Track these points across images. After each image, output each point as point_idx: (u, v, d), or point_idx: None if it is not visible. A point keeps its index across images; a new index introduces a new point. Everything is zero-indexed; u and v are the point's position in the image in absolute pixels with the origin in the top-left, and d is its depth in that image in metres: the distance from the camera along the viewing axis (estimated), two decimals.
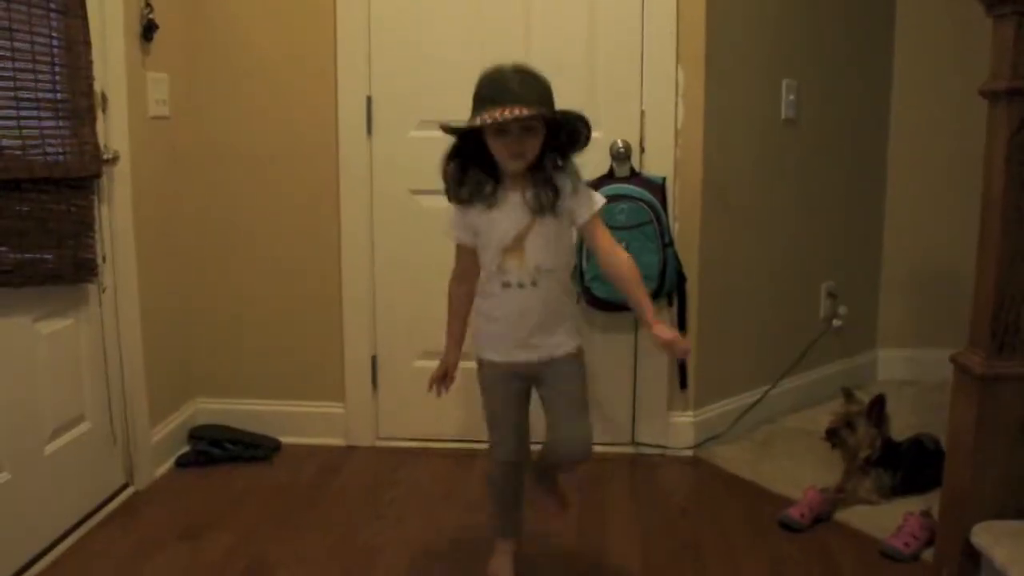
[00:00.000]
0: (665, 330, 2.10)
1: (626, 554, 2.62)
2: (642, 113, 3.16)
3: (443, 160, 2.17)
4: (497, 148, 2.07)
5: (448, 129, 2.12)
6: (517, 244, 2.14)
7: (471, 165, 2.15)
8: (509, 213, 2.13)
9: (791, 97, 3.48)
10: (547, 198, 2.11)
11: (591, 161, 3.09)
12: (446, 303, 2.34)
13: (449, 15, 3.19)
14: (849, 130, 3.79)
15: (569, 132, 2.12)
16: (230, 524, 2.78)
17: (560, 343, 2.24)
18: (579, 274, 3.07)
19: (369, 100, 3.23)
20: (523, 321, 2.19)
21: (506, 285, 2.17)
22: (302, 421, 3.41)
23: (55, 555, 2.57)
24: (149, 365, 3.05)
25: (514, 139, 2.05)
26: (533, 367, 2.23)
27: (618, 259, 2.18)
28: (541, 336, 2.21)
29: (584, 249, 3.03)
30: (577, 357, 2.29)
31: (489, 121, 1.99)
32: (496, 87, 2.04)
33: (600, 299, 3.08)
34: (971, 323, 2.29)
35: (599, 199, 2.19)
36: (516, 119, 1.99)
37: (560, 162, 2.15)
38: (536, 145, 2.08)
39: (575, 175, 2.17)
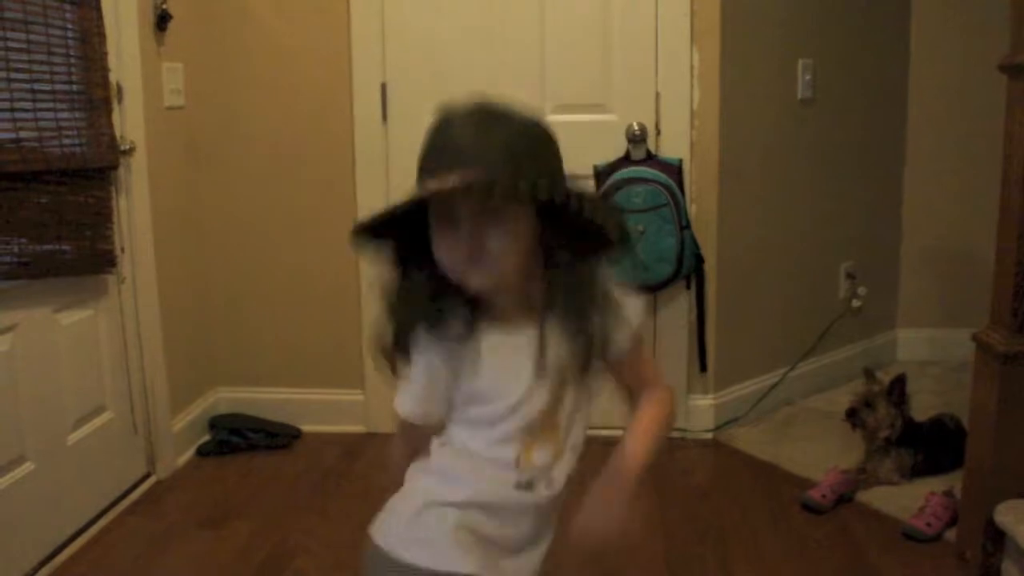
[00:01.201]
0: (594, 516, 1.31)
1: (648, 537, 2.61)
2: (657, 95, 3.14)
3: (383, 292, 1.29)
4: (442, 253, 1.21)
5: (365, 231, 1.25)
6: (547, 419, 1.29)
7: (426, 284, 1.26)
8: (515, 362, 1.27)
9: (807, 77, 3.45)
10: (578, 342, 1.27)
11: (607, 144, 3.10)
12: None
13: (463, 0, 3.18)
14: (866, 109, 3.76)
15: (592, 225, 1.23)
16: (251, 512, 2.80)
17: (547, 542, 1.40)
18: None
19: (384, 87, 3.23)
20: (523, 521, 1.34)
21: (521, 487, 1.30)
22: (322, 409, 3.42)
23: (79, 544, 2.59)
24: (169, 355, 3.06)
25: (467, 232, 1.18)
26: None
27: (662, 397, 1.47)
28: (533, 543, 1.37)
29: None
30: None
31: (405, 203, 1.16)
32: (434, 146, 1.21)
33: (619, 283, 3.06)
34: (992, 301, 2.27)
35: (638, 307, 1.38)
36: (452, 190, 1.13)
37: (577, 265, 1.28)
38: (512, 242, 1.19)
39: (604, 283, 1.31)
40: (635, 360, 1.39)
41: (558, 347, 1.26)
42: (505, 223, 1.18)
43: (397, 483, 1.39)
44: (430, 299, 1.23)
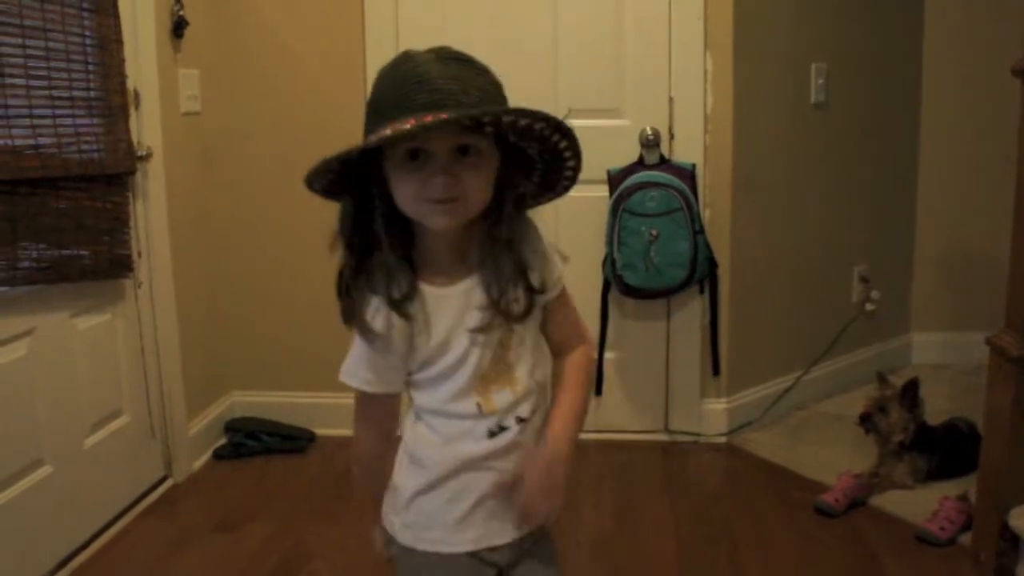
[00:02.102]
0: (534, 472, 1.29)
1: (661, 541, 2.61)
2: (671, 99, 3.15)
3: (337, 235, 1.31)
4: (409, 192, 1.20)
5: (319, 176, 1.21)
6: (499, 361, 1.30)
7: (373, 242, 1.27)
8: (460, 313, 1.28)
9: (820, 81, 3.45)
10: (518, 285, 1.28)
11: (621, 149, 3.11)
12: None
13: (477, 5, 3.19)
14: (880, 113, 3.76)
15: (547, 165, 1.30)
16: (267, 515, 2.80)
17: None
18: (610, 262, 3.08)
19: None
20: (511, 464, 1.31)
21: (494, 432, 1.30)
22: (337, 412, 3.40)
23: (96, 546, 2.61)
24: (185, 359, 3.07)
25: (442, 170, 1.18)
26: (514, 552, 1.37)
27: (581, 366, 1.43)
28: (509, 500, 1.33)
29: (616, 235, 3.02)
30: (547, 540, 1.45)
31: (389, 134, 1.12)
32: (404, 84, 1.17)
33: (633, 287, 3.07)
34: (1007, 305, 2.27)
35: (559, 256, 1.37)
36: (442, 123, 1.12)
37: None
38: (484, 184, 1.22)
39: (534, 230, 1.34)
40: (561, 307, 1.39)
41: (498, 294, 1.27)
42: (480, 161, 1.21)
43: (369, 471, 1.41)
44: (381, 261, 1.26)
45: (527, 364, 1.33)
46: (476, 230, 1.28)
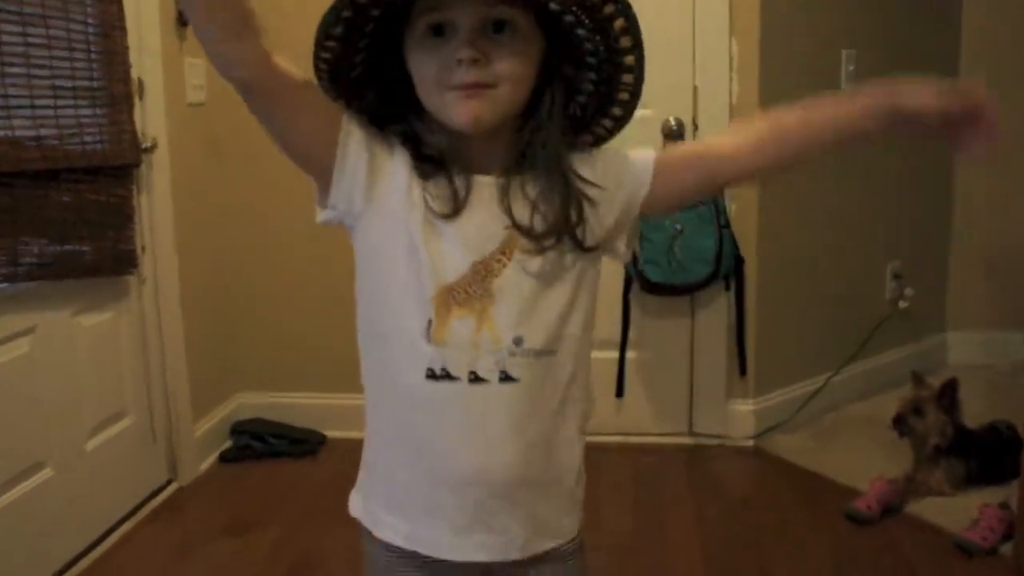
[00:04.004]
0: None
1: (686, 547, 2.56)
2: (695, 89, 3.07)
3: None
4: (429, 75, 1.03)
5: (330, 24, 1.04)
6: (475, 285, 1.06)
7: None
8: (471, 216, 1.07)
9: (851, 68, 3.36)
10: (558, 206, 1.07)
11: (643, 140, 3.00)
12: None
13: None
14: None
15: (605, 65, 1.09)
16: (275, 519, 2.76)
17: (554, 522, 1.17)
18: (632, 258, 2.99)
19: None
20: (470, 465, 1.09)
21: (435, 376, 1.06)
22: (346, 414, 3.35)
23: (100, 552, 2.56)
24: (191, 359, 3.03)
25: (467, 43, 1.00)
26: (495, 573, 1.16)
27: (760, 126, 1.17)
28: (515, 505, 1.11)
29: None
30: (579, 552, 1.22)
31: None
32: None
33: (655, 283, 3.02)
34: None
35: (646, 150, 1.17)
36: None
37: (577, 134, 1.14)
38: (520, 70, 1.03)
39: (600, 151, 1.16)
40: (684, 155, 1.21)
41: (522, 206, 1.07)
42: (516, 41, 1.03)
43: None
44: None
45: (515, 312, 1.07)
46: (514, 138, 1.08)
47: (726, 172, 1.17)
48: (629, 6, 1.04)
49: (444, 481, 1.09)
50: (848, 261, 3.54)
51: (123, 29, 2.59)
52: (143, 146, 2.71)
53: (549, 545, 1.16)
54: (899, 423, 2.82)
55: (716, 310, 3.18)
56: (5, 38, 2.19)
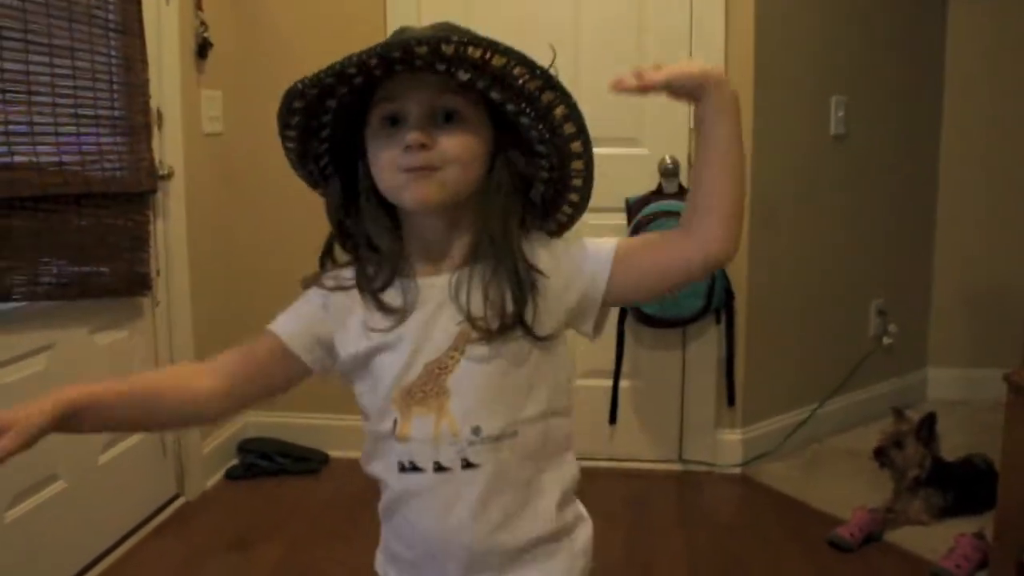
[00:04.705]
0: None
1: (673, 572, 2.60)
2: (690, 129, 3.15)
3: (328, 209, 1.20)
4: (383, 161, 1.09)
5: (284, 130, 1.14)
6: (431, 383, 1.11)
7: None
8: (419, 319, 1.12)
9: (840, 113, 3.45)
10: (507, 293, 1.10)
11: (639, 178, 3.12)
12: None
13: (496, 33, 3.19)
14: (900, 146, 3.76)
15: (554, 153, 1.13)
16: (279, 536, 2.80)
17: (544, 570, 1.19)
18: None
19: None
20: (443, 543, 1.14)
21: (404, 468, 1.13)
22: (350, 435, 3.37)
23: (108, 563, 2.61)
24: None
25: (415, 126, 1.07)
26: None
27: (693, 223, 1.16)
28: (495, 570, 1.16)
29: None
30: None
31: (337, 68, 1.04)
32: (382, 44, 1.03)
33: (650, 316, 3.08)
34: None
35: (610, 239, 1.18)
36: (409, 55, 1.02)
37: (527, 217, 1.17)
38: (468, 153, 1.09)
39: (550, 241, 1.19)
40: (639, 250, 1.17)
41: (476, 296, 1.10)
42: (463, 126, 1.08)
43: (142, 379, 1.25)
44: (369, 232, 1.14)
45: (470, 404, 1.11)
46: (469, 224, 1.13)
47: (682, 242, 1.15)
48: (568, 94, 1.09)
49: (426, 554, 1.16)
50: (834, 298, 3.60)
51: (144, 62, 2.67)
52: (160, 174, 2.79)
53: None
54: (880, 455, 2.87)
55: (706, 342, 3.24)
56: (33, 68, 2.25)
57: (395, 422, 1.12)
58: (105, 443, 2.66)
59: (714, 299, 3.06)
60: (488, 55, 1.04)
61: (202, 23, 3.02)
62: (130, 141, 2.63)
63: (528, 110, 1.10)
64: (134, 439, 2.79)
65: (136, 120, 2.65)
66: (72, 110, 2.40)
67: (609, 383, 3.25)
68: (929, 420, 2.84)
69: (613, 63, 3.13)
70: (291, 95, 1.08)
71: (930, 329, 4.03)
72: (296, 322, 1.20)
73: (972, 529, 2.59)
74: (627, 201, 3.11)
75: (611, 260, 1.14)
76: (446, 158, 1.07)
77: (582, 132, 1.12)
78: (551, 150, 1.13)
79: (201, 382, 1.19)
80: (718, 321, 3.20)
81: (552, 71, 1.09)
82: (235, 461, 3.33)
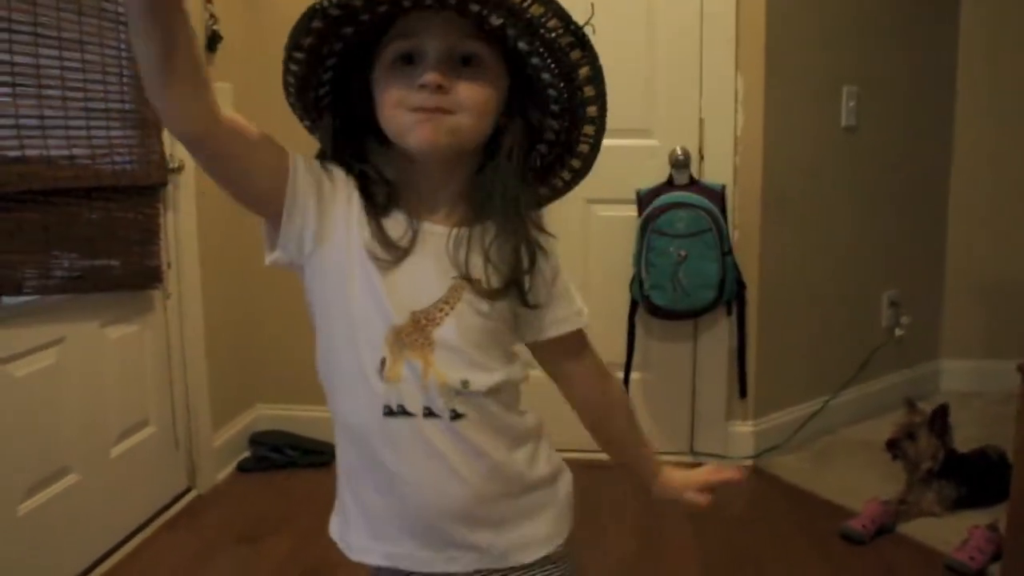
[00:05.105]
0: (690, 477, 1.33)
1: (684, 565, 2.60)
2: (701, 120, 3.15)
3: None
4: (392, 98, 1.05)
5: (298, 36, 1.06)
6: (418, 333, 1.09)
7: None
8: (416, 264, 1.09)
9: (852, 104, 3.44)
10: (510, 253, 1.10)
11: (650, 169, 3.11)
12: None
13: None
14: (911, 136, 3.74)
15: (567, 113, 1.11)
16: (290, 528, 2.80)
17: (525, 538, 1.18)
18: (638, 282, 3.06)
19: None
20: (434, 493, 1.12)
21: (392, 411, 1.09)
22: None
23: (120, 556, 2.62)
24: (212, 371, 3.09)
25: (432, 66, 1.03)
26: None
27: (611, 387, 1.29)
28: (478, 526, 1.15)
29: (644, 256, 3.01)
30: (566, 560, 1.22)
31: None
32: None
33: (661, 308, 3.06)
34: None
35: (581, 306, 1.21)
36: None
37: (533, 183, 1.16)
38: (482, 102, 1.06)
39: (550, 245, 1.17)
40: (578, 348, 1.23)
41: (465, 253, 1.09)
42: (481, 74, 1.05)
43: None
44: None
45: (457, 360, 1.10)
46: (473, 180, 1.11)
47: (566, 385, 1.26)
48: (596, 56, 1.07)
49: (413, 508, 1.12)
50: (846, 289, 3.59)
51: None
52: (170, 167, 2.79)
53: (532, 556, 1.18)
54: (892, 447, 2.86)
55: (718, 334, 3.24)
56: (43, 61, 2.25)
57: (383, 360, 1.08)
58: (118, 436, 2.67)
59: (726, 290, 3.05)
60: (527, 2, 1.00)
61: (211, 16, 3.01)
62: (140, 134, 2.63)
63: (552, 65, 1.07)
64: (146, 433, 2.81)
65: (146, 113, 2.64)
66: (82, 103, 2.40)
67: (620, 375, 3.24)
68: (942, 412, 2.83)
69: (624, 56, 3.13)
70: (312, 13, 1.02)
71: (943, 320, 4.02)
72: (310, 170, 1.09)
73: (985, 521, 2.58)
74: (638, 193, 3.11)
75: (562, 330, 1.20)
76: (461, 104, 1.03)
77: (601, 97, 1.09)
78: (565, 110, 1.11)
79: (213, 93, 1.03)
80: (729, 312, 3.19)
81: (588, 29, 1.06)
82: (246, 454, 3.34)
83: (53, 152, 2.31)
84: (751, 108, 3.13)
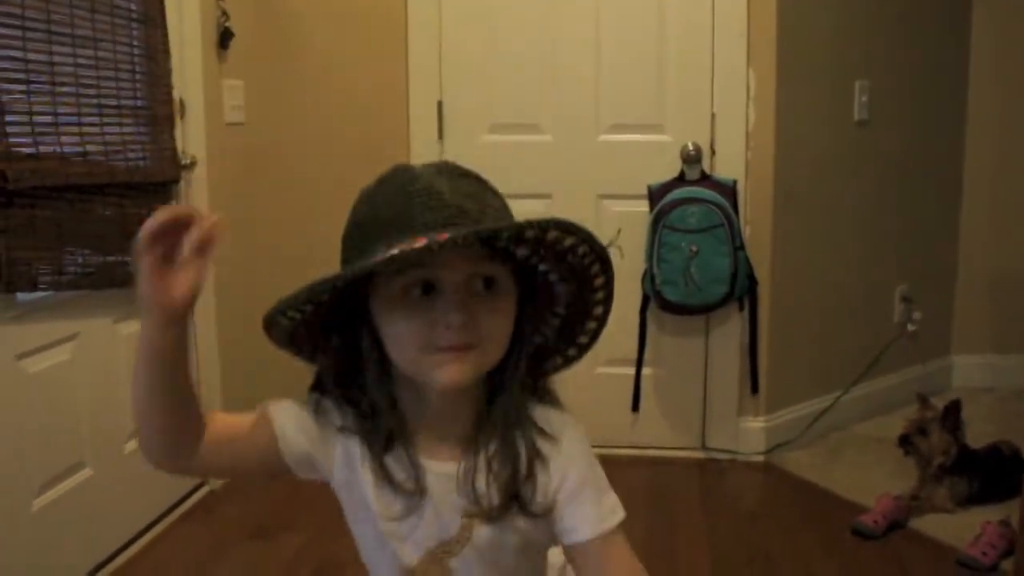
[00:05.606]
0: None
1: (695, 560, 2.60)
2: (713, 116, 3.14)
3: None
4: (411, 337, 0.97)
5: (286, 311, 1.02)
6: (434, 565, 1.07)
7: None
8: (424, 515, 1.06)
9: (864, 98, 3.43)
10: (511, 461, 1.03)
11: (662, 164, 3.11)
12: None
13: (519, 19, 3.20)
14: (924, 131, 3.73)
15: (571, 312, 1.08)
16: (301, 524, 2.81)
17: None
18: (650, 278, 3.07)
19: (440, 105, 3.25)
20: None
21: None
22: None
23: (133, 551, 2.63)
24: (224, 368, 3.10)
25: (457, 306, 0.95)
26: None
27: None
28: None
29: (656, 251, 3.01)
30: None
31: (397, 253, 0.89)
32: (408, 198, 0.95)
33: (672, 303, 3.07)
34: None
35: (615, 504, 1.08)
36: (459, 239, 0.90)
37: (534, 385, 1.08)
38: (504, 330, 1.01)
39: (568, 427, 1.08)
40: (606, 552, 1.05)
41: (482, 479, 1.03)
42: (501, 299, 0.99)
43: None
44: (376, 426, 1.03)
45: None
46: (475, 393, 1.04)
47: None
48: (610, 265, 1.03)
49: None
50: (858, 284, 3.58)
51: (167, 52, 2.68)
52: (183, 163, 2.80)
53: None
54: (904, 442, 2.87)
55: (730, 330, 3.24)
56: (57, 59, 2.26)
57: None
58: (131, 432, 2.68)
59: (737, 285, 3.05)
60: (558, 235, 0.95)
61: (223, 12, 3.02)
62: (153, 131, 2.64)
63: (569, 278, 1.04)
64: None
65: (159, 110, 2.67)
66: (95, 100, 2.41)
67: (632, 371, 3.25)
68: (954, 407, 2.82)
69: (635, 51, 3.13)
70: (323, 285, 0.96)
71: (955, 316, 4.01)
72: (298, 436, 1.06)
73: (998, 516, 2.58)
74: (649, 188, 3.11)
75: (586, 535, 1.04)
76: (485, 337, 0.97)
77: (609, 298, 1.07)
78: (569, 305, 1.08)
79: (200, 428, 1.05)
80: (741, 308, 3.19)
81: (612, 249, 1.02)
82: None
83: (66, 149, 2.33)
84: (763, 103, 3.13)
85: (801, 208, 3.28)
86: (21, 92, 2.17)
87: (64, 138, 2.32)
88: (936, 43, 3.74)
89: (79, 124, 2.36)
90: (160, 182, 2.69)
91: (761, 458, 3.29)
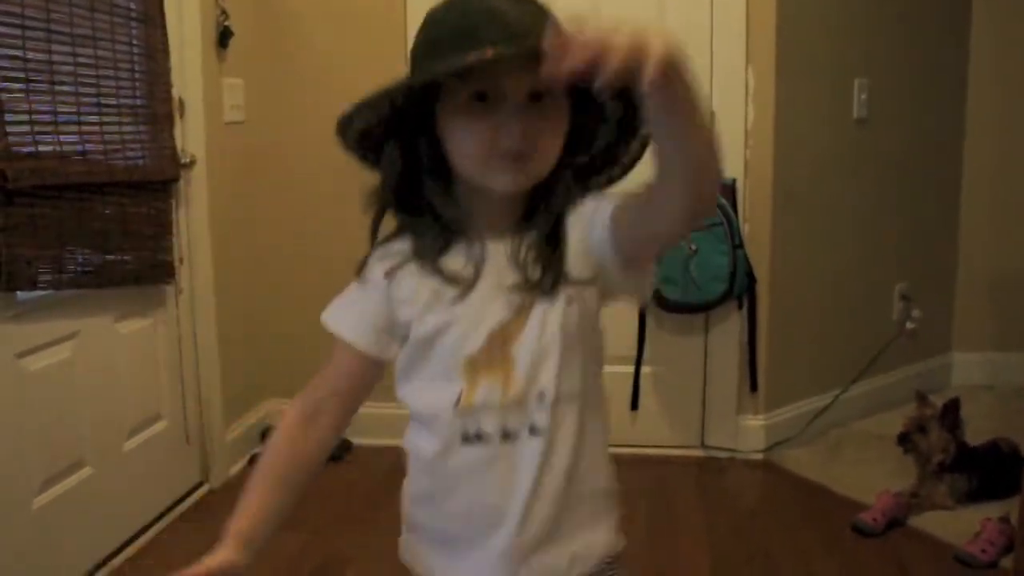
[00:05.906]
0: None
1: (695, 558, 2.60)
2: (711, 114, 3.13)
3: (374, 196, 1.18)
4: (473, 143, 1.04)
5: (363, 114, 1.09)
6: (496, 352, 1.10)
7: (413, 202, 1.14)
8: (480, 293, 1.10)
9: (863, 96, 3.43)
10: (547, 245, 1.09)
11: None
12: None
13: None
14: (923, 129, 3.73)
15: (620, 126, 1.11)
16: (303, 522, 2.78)
17: (595, 546, 1.20)
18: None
19: None
20: (515, 513, 1.12)
21: (469, 439, 1.11)
22: (373, 422, 3.37)
23: (133, 549, 2.64)
24: (224, 365, 3.10)
25: (517, 116, 1.02)
26: None
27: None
28: (556, 541, 1.15)
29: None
30: (620, 562, 1.24)
31: (467, 62, 0.96)
32: (471, 16, 1.01)
33: (671, 301, 3.07)
34: None
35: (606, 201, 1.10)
36: (520, 56, 0.95)
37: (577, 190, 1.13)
38: (558, 141, 1.07)
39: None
40: (623, 203, 1.06)
41: (538, 252, 1.09)
42: (556, 112, 1.06)
43: (266, 467, 1.24)
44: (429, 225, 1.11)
45: (535, 371, 1.09)
46: (526, 192, 1.10)
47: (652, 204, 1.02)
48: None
49: (486, 531, 1.13)
50: (857, 282, 3.58)
51: (166, 51, 2.68)
52: (182, 162, 2.81)
53: (593, 567, 1.18)
54: (904, 440, 2.86)
55: (729, 328, 3.24)
56: (56, 58, 2.26)
57: (460, 393, 1.10)
58: (130, 430, 2.69)
59: (737, 284, 3.05)
60: None
61: (222, 11, 3.02)
62: (153, 129, 2.65)
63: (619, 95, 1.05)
64: (159, 426, 2.82)
65: (158, 109, 2.67)
66: (95, 99, 2.42)
67: (631, 369, 3.25)
68: (953, 405, 2.83)
69: None
70: (399, 87, 1.04)
71: (954, 313, 4.01)
72: (363, 324, 1.17)
73: (997, 514, 2.58)
74: None
75: (609, 210, 1.06)
76: (541, 148, 1.05)
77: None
78: (619, 121, 1.11)
79: (308, 443, 1.20)
80: (740, 306, 3.19)
81: None
82: (259, 449, 3.33)
83: (66, 148, 2.33)
84: (762, 101, 3.13)
85: (800, 206, 3.28)
86: (20, 91, 2.17)
87: (63, 137, 2.32)
88: (936, 42, 3.73)
89: (79, 123, 2.37)
90: (160, 181, 2.70)
91: (760, 456, 3.29)
